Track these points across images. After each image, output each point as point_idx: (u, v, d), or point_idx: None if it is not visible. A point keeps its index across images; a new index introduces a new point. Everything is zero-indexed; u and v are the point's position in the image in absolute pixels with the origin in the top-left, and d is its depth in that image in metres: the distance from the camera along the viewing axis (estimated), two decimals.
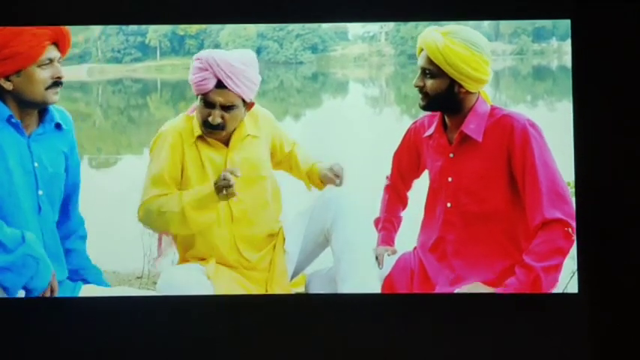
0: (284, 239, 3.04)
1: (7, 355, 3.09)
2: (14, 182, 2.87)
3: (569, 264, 3.03)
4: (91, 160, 3.21)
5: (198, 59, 2.92)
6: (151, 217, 2.96)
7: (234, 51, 2.98)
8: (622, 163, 3.12)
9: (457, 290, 2.93)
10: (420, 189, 3.06)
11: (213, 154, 2.98)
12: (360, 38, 3.28)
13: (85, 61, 3.21)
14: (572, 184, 3.05)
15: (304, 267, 3.08)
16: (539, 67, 3.23)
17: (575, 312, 3.07)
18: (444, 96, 2.87)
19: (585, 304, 3.07)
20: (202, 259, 3.00)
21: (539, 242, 2.82)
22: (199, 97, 2.94)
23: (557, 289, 3.02)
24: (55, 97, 2.90)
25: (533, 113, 3.02)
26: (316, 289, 3.06)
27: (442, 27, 2.90)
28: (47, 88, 2.88)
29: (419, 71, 2.90)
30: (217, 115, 2.92)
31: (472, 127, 2.88)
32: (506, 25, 3.20)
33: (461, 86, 2.86)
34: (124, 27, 3.21)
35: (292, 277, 3.07)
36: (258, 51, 3.18)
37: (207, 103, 2.93)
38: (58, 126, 2.96)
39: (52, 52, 2.90)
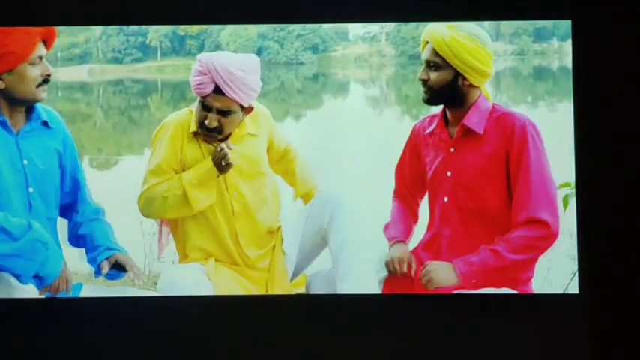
0: (282, 240, 3.05)
1: (8, 355, 3.10)
2: (4, 180, 2.86)
3: (570, 264, 3.03)
4: (92, 161, 3.21)
5: (200, 61, 2.92)
6: (154, 204, 2.95)
7: (236, 55, 2.98)
8: (622, 163, 3.12)
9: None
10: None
11: (212, 147, 2.99)
12: (360, 39, 3.28)
13: (86, 62, 3.21)
14: (572, 184, 3.05)
15: (304, 267, 3.08)
16: (540, 67, 3.23)
17: (576, 312, 3.07)
18: (448, 88, 2.88)
19: (586, 304, 3.07)
20: (203, 253, 3.00)
21: (517, 235, 2.83)
22: (198, 98, 2.95)
23: (558, 290, 3.02)
24: (44, 94, 2.90)
25: (533, 113, 3.02)
26: (317, 289, 3.05)
27: (447, 22, 2.92)
28: (38, 86, 2.88)
29: (423, 65, 2.91)
30: (214, 119, 2.92)
31: (474, 120, 2.89)
32: (507, 26, 3.21)
33: (465, 79, 2.87)
34: (124, 27, 3.22)
35: (292, 278, 3.07)
36: (259, 51, 3.19)
37: (205, 106, 2.93)
38: (45, 124, 2.95)
39: (42, 50, 2.90)
